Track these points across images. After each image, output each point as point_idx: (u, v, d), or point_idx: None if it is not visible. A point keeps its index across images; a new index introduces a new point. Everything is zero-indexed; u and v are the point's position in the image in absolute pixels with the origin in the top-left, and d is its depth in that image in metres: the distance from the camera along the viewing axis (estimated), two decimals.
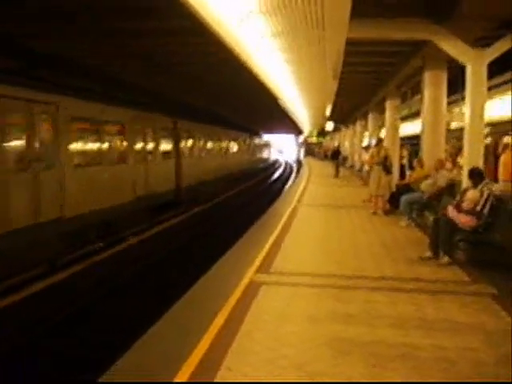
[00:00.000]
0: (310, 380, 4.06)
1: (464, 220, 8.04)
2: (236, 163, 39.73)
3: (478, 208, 7.99)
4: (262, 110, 38.16)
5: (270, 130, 75.31)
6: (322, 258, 8.67)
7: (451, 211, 8.23)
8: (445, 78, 14.10)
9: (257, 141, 58.83)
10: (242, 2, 7.89)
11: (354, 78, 21.60)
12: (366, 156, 19.15)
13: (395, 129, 22.35)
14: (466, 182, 10.43)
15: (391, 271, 7.63)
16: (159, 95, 24.69)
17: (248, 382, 3.96)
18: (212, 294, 6.60)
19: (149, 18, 11.43)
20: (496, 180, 13.72)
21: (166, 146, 21.11)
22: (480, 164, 11.13)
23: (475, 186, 8.29)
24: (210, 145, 29.74)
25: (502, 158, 12.53)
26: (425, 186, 11.64)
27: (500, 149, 15.37)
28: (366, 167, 17.03)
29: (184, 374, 4.13)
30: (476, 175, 8.44)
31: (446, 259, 8.07)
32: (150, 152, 18.81)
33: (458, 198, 8.69)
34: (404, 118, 28.33)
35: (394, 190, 14.01)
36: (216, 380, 4.05)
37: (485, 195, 8.00)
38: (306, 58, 13.35)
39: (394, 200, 13.25)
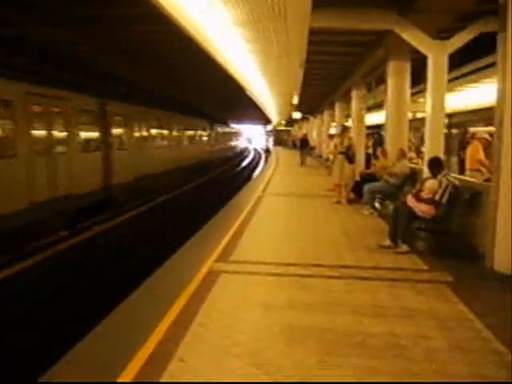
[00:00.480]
0: (261, 369, 4.10)
1: (424, 209, 8.16)
2: (194, 153, 35.23)
3: (437, 197, 8.11)
4: (229, 100, 38.01)
5: (239, 120, 75.37)
6: (282, 247, 8.70)
7: (410, 200, 8.35)
8: (408, 68, 14.19)
9: (221, 129, 53.71)
10: None
11: (321, 67, 21.67)
12: (330, 145, 19.27)
13: (361, 118, 22.52)
14: (426, 171, 10.60)
15: (351, 260, 7.70)
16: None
17: (192, 383, 3.93)
18: (170, 283, 6.56)
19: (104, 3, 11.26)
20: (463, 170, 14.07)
21: (87, 133, 16.86)
22: (441, 154, 11.29)
23: (434, 175, 8.41)
24: (156, 132, 25.48)
25: (469, 149, 12.77)
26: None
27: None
28: (330, 156, 17.13)
29: (136, 365, 4.12)
30: (435, 165, 8.56)
31: (404, 247, 8.18)
32: (60, 142, 14.55)
33: (417, 187, 8.82)
34: (371, 108, 28.63)
35: (357, 179, 14.15)
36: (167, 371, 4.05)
37: (443, 185, 8.13)
38: (270, 48, 13.33)
39: (357, 189, 13.39)
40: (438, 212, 8.12)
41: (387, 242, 8.44)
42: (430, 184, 8.30)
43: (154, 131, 25.03)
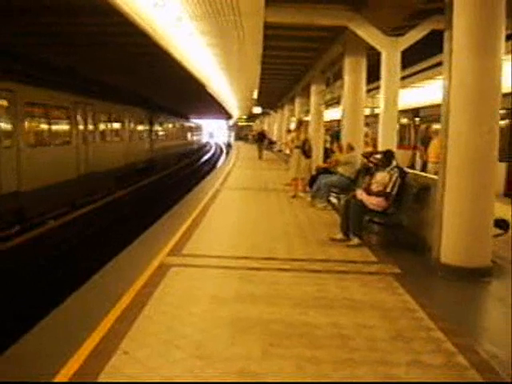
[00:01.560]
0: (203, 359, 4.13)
1: (374, 201, 8.31)
2: (118, 154, 25.85)
3: (388, 190, 8.28)
4: (187, 94, 37.61)
5: (201, 115, 75.17)
6: (236, 240, 8.76)
7: (360, 194, 8.49)
8: (364, 64, 14.39)
9: (170, 122, 44.33)
10: None
11: (280, 62, 21.77)
12: (287, 139, 19.44)
13: (320, 113, 22.74)
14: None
15: (302, 252, 7.79)
16: None
17: (130, 383, 3.93)
18: (119, 277, 6.50)
19: None
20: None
21: None
22: (394, 147, 11.54)
23: (384, 167, 8.57)
24: (45, 124, 17.27)
25: (433, 143, 13.16)
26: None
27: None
28: (287, 151, 17.25)
29: (78, 358, 4.10)
30: (387, 157, 8.71)
31: (355, 240, 8.29)
32: None
33: (367, 180, 8.97)
34: (332, 103, 28.90)
35: (314, 173, 14.26)
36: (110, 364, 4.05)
37: (394, 178, 8.30)
38: (228, 42, 13.38)
39: (314, 183, 13.50)
40: (389, 203, 8.29)
41: (339, 235, 8.55)
42: (381, 177, 8.46)
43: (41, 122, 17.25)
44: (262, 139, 33.17)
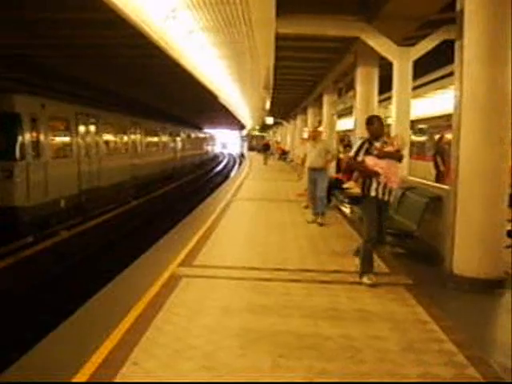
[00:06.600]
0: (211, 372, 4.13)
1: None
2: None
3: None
4: (201, 106, 37.72)
5: (214, 125, 75.44)
6: (247, 251, 8.77)
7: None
8: (376, 74, 14.35)
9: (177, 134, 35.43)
10: None
11: (292, 72, 21.76)
12: (300, 149, 19.40)
13: (332, 123, 22.71)
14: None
15: (313, 264, 7.77)
16: None
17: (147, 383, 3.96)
18: (131, 288, 6.53)
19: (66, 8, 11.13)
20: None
21: None
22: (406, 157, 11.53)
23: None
24: None
25: None
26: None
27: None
28: (299, 161, 17.21)
29: (89, 369, 4.12)
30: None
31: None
32: None
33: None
34: (345, 113, 28.91)
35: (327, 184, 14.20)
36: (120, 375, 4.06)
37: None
38: (240, 54, 13.44)
39: (327, 194, 13.44)
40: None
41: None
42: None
43: None
44: (266, 149, 40.19)
